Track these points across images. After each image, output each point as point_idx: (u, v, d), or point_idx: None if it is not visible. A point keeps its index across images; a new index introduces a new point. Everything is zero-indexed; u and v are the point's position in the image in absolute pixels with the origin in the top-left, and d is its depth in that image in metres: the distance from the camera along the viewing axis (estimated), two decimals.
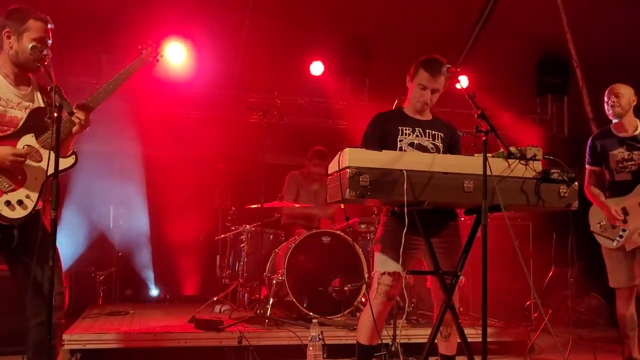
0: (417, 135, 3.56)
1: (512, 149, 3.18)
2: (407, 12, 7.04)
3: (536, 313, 5.76)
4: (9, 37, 3.09)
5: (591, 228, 4.51)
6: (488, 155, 3.04)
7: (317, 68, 7.55)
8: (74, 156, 3.23)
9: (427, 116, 3.69)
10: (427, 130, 3.60)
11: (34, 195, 3.06)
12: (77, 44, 5.64)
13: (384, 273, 3.47)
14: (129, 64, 3.41)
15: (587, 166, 4.58)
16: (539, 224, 6.16)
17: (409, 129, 3.57)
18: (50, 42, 3.15)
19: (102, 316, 5.62)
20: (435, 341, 3.57)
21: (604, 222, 4.42)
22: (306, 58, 7.51)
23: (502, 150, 3.20)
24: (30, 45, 3.04)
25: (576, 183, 3.22)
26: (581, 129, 7.03)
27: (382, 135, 3.55)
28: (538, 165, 3.21)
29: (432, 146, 3.57)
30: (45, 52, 3.04)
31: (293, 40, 7.09)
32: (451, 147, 3.66)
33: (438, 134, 3.62)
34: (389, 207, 3.54)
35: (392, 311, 4.83)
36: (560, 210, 3.26)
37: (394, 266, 3.44)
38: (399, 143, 3.52)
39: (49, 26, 3.15)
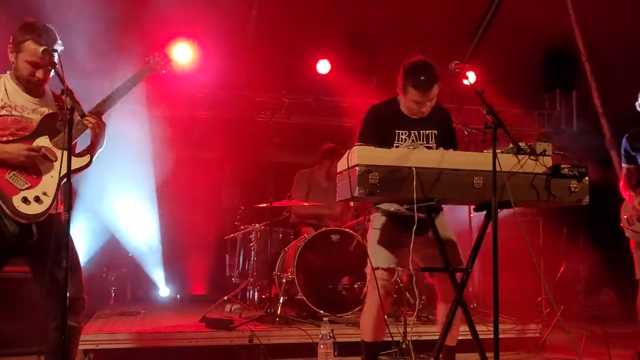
0: (412, 140, 3.56)
1: (522, 144, 3.16)
2: (413, 8, 7.02)
3: (548, 309, 5.73)
4: (11, 53, 3.18)
5: (621, 223, 4.57)
6: (497, 151, 3.03)
7: (323, 66, 7.56)
8: (88, 156, 3.28)
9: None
10: (422, 132, 3.60)
11: (51, 192, 3.11)
12: (87, 46, 5.67)
13: (376, 268, 3.51)
14: (136, 71, 3.44)
15: (622, 165, 4.68)
16: (550, 219, 6.14)
17: (405, 133, 3.58)
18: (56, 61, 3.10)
19: (114, 316, 5.66)
20: (432, 336, 3.64)
21: (630, 216, 4.47)
22: (312, 57, 7.52)
23: (511, 146, 3.19)
24: (41, 49, 3.07)
25: (587, 178, 3.21)
26: (590, 124, 6.99)
27: (378, 135, 3.51)
28: (548, 161, 3.20)
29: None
30: (57, 53, 3.07)
31: (299, 39, 7.09)
32: (442, 137, 3.62)
33: (432, 133, 3.62)
34: (378, 205, 3.59)
35: (403, 308, 4.84)
36: (571, 205, 3.25)
37: (386, 261, 3.52)
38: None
39: (58, 48, 3.13)
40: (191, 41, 6.75)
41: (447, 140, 3.63)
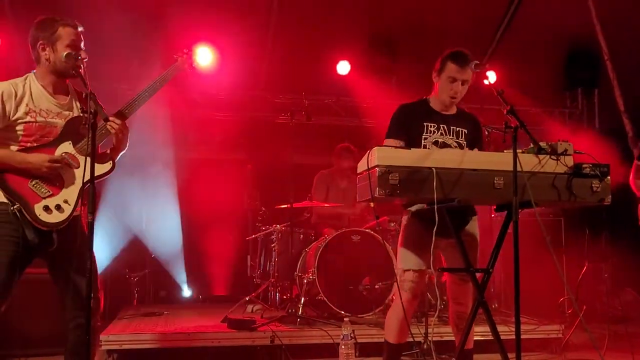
0: (441, 133, 3.56)
1: (543, 144, 3.15)
2: (433, 8, 7.00)
3: (570, 309, 5.68)
4: (44, 49, 3.15)
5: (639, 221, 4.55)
6: (518, 151, 3.02)
7: (343, 67, 7.56)
8: (110, 162, 3.28)
9: (452, 110, 3.68)
10: (452, 127, 3.59)
11: (72, 200, 3.12)
12: (108, 51, 5.74)
13: (407, 270, 3.51)
14: (164, 71, 3.46)
15: (636, 161, 4.64)
16: (572, 219, 6.09)
17: (434, 126, 3.56)
18: (82, 44, 3.20)
19: (137, 317, 5.72)
20: (453, 336, 3.69)
21: None
22: (332, 58, 7.52)
23: (532, 145, 3.17)
24: (65, 54, 3.09)
25: (609, 177, 3.18)
26: (613, 123, 6.91)
27: (406, 130, 3.54)
28: (569, 160, 3.18)
29: (456, 144, 3.56)
30: (81, 57, 3.10)
31: (319, 40, 7.10)
32: (473, 140, 3.63)
33: (462, 131, 3.61)
34: (409, 207, 3.59)
35: (424, 309, 4.84)
36: (593, 205, 3.22)
37: (416, 263, 3.51)
38: (423, 141, 3.52)
39: (79, 29, 3.20)
40: (212, 44, 6.81)
41: (477, 143, 3.63)
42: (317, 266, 5.30)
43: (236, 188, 7.43)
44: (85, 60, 3.11)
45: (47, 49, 3.15)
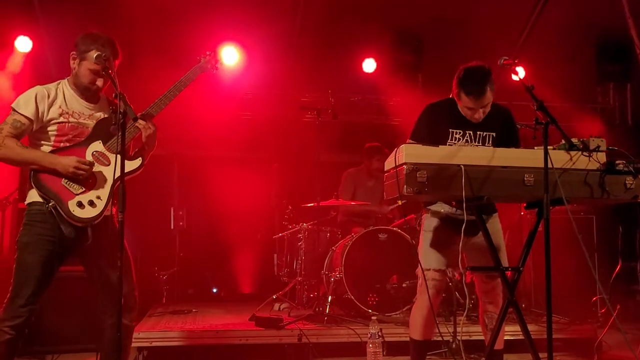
0: (466, 140, 3.49)
1: (574, 140, 3.09)
2: (460, 3, 6.93)
3: (603, 309, 5.58)
4: (74, 59, 3.26)
5: None
6: (549, 147, 2.98)
7: (369, 65, 7.54)
8: (140, 158, 3.35)
9: None
10: (478, 133, 3.51)
11: (104, 196, 3.20)
12: (133, 50, 5.79)
13: (428, 269, 3.50)
14: (188, 71, 3.50)
15: None
16: (604, 216, 5.97)
17: (459, 133, 3.50)
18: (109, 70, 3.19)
19: (167, 315, 5.78)
20: (482, 335, 3.66)
21: None
22: (358, 55, 7.51)
23: (563, 142, 3.12)
24: (95, 55, 3.16)
25: None
26: None
27: (431, 136, 3.44)
28: (602, 157, 3.12)
29: None
30: (96, 84, 3.20)
31: (345, 38, 7.09)
32: (504, 138, 3.53)
33: (489, 135, 3.53)
34: (429, 207, 3.59)
35: (453, 308, 4.80)
36: (627, 202, 3.16)
37: (438, 262, 3.51)
38: None
39: (117, 60, 3.25)
40: (238, 43, 6.84)
41: (509, 142, 3.51)
42: (344, 264, 5.29)
43: (263, 187, 7.46)
44: (100, 87, 3.21)
45: (75, 61, 3.26)
